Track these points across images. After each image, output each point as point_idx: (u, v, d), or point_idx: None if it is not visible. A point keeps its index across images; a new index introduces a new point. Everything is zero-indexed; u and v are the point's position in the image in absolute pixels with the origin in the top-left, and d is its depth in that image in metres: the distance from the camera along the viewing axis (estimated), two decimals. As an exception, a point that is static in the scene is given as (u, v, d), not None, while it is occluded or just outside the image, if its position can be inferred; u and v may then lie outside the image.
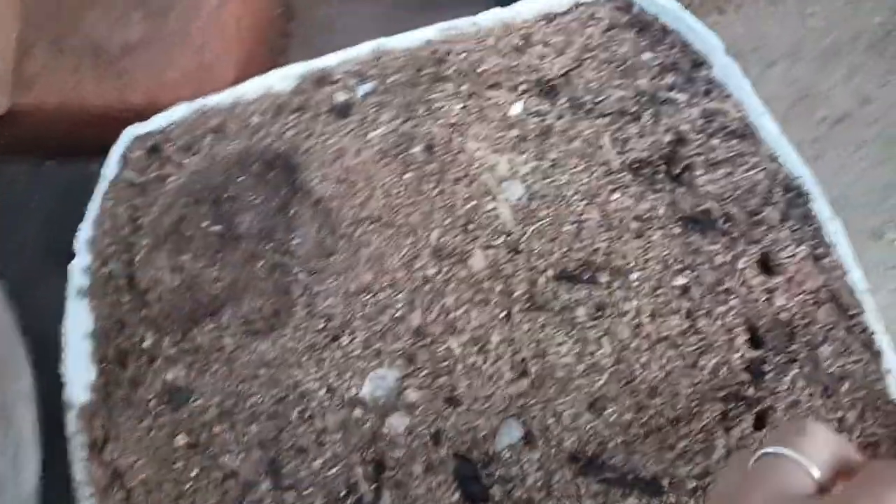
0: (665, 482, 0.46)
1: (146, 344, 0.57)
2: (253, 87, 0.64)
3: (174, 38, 0.61)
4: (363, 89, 0.64)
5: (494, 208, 0.58)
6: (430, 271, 0.56)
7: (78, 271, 0.60)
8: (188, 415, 0.55)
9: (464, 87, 0.62)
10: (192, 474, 0.54)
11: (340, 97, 0.63)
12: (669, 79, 0.59)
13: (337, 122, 0.62)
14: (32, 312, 0.63)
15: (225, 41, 0.64)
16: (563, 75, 0.62)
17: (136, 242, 0.61)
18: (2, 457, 0.47)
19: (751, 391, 0.48)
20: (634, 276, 0.53)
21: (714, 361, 0.49)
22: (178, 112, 0.64)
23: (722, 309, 0.50)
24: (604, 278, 0.53)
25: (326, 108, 0.63)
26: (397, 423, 0.53)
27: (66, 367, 0.54)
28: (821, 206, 0.53)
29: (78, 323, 0.56)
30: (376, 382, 0.54)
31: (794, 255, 0.51)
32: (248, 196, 0.62)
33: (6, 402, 0.50)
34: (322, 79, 0.65)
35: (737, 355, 0.49)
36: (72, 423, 0.53)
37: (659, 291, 0.52)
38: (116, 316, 0.58)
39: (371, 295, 0.56)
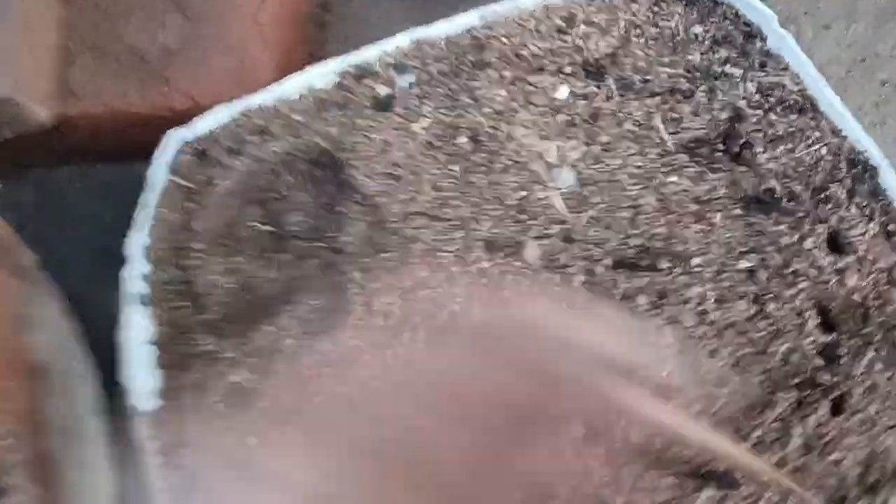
0: (739, 474, 0.46)
1: (208, 348, 0.58)
2: (293, 85, 0.63)
3: (213, 40, 0.61)
4: (404, 81, 0.63)
5: (546, 197, 0.57)
6: (484, 263, 0.56)
7: (134, 278, 0.61)
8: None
9: (507, 73, 0.61)
10: (261, 476, 0.55)
11: (382, 90, 0.63)
12: (722, 53, 0.58)
13: (380, 115, 0.62)
14: (88, 321, 0.65)
15: (263, 40, 0.63)
16: (609, 55, 0.60)
17: (190, 247, 0.61)
18: (78, 472, 0.49)
19: (826, 377, 0.47)
20: (696, 260, 0.52)
21: (785, 347, 0.48)
22: (221, 114, 0.64)
23: (791, 292, 0.49)
24: (664, 264, 0.52)
25: (369, 102, 0.63)
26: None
27: (128, 374, 0.55)
28: (890, 179, 0.51)
29: (138, 330, 0.57)
30: (437, 379, 0.54)
31: (864, 233, 0.50)
32: (297, 195, 0.62)
33: (76, 415, 0.51)
34: (362, 73, 0.64)
35: (809, 340, 0.48)
36: (141, 429, 0.54)
37: (723, 276, 0.51)
38: (176, 321, 0.59)
39: (428, 290, 0.56)
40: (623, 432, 0.49)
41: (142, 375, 0.57)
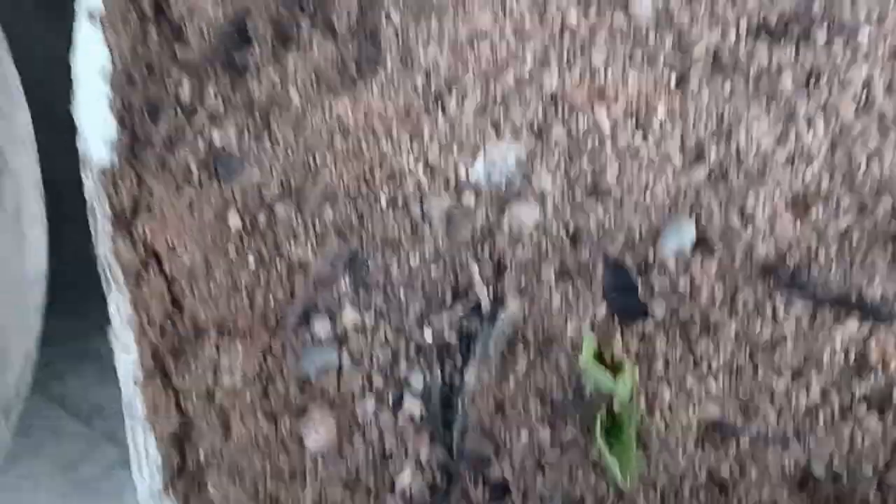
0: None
1: (183, 94, 0.43)
2: None
3: None
4: None
5: (666, -66, 0.42)
6: (572, 17, 0.42)
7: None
8: (241, 189, 0.43)
9: None
10: (249, 264, 0.42)
11: None
12: None
13: None
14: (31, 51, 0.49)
15: None
16: None
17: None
18: (1, 212, 0.36)
19: None
20: (865, 32, 0.39)
21: None
22: None
23: None
24: (820, 35, 0.39)
25: None
26: (523, 215, 0.41)
27: (79, 113, 0.41)
28: None
29: (91, 57, 0.42)
30: (494, 162, 0.42)
31: None
32: None
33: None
34: None
35: None
36: (91, 186, 0.41)
37: (901, 56, 0.39)
38: (141, 54, 0.44)
39: (489, 44, 0.42)
40: (745, 246, 0.38)
41: (94, 117, 0.43)
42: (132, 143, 0.42)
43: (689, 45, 0.41)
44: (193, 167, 0.43)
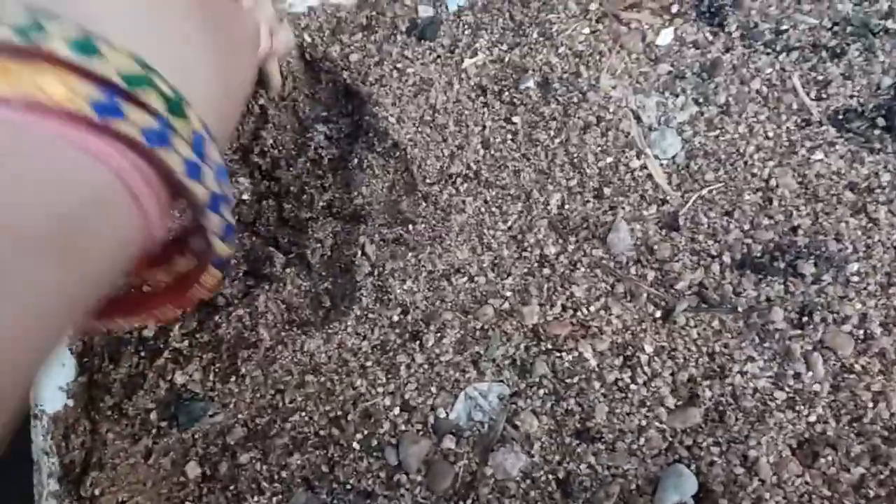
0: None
1: (147, 332, 0.43)
2: (304, -4, 0.50)
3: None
4: (455, 4, 0.50)
5: (641, 167, 0.44)
6: (551, 249, 0.43)
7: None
8: (203, 435, 0.41)
9: (593, 6, 0.49)
10: (207, 522, 0.39)
11: (424, 12, 0.50)
12: (883, 4, 0.46)
13: (419, 45, 0.49)
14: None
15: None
16: (730, -5, 0.48)
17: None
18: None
19: None
20: (854, 267, 0.39)
21: None
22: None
23: None
24: (808, 269, 0.39)
25: (405, 27, 0.49)
26: (507, 462, 0.39)
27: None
28: None
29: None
30: (475, 402, 0.40)
31: None
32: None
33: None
34: (399, -11, 0.51)
35: None
36: (39, 438, 0.39)
37: (893, 291, 0.39)
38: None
39: (467, 278, 0.42)
40: (752, 499, 0.36)
41: (50, 364, 0.41)
42: (89, 388, 0.41)
43: (673, 280, 0.40)
44: (152, 413, 0.41)
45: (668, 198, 0.43)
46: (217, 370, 0.42)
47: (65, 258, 0.18)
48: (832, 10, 0.46)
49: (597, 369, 0.40)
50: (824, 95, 0.44)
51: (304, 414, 0.41)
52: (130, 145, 0.19)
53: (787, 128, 0.43)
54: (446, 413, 0.40)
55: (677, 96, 0.45)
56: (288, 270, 0.44)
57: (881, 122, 0.43)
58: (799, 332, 0.38)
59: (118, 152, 0.19)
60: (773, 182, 0.42)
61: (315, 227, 0.45)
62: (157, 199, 0.21)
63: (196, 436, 0.41)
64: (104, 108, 0.19)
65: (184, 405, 0.41)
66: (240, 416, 0.41)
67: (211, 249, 0.24)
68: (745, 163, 0.43)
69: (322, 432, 0.40)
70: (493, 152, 0.46)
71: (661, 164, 0.44)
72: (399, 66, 0.48)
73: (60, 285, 0.18)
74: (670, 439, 0.38)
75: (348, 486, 0.39)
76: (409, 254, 0.43)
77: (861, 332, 0.38)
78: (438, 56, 0.48)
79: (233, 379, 0.41)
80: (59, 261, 0.18)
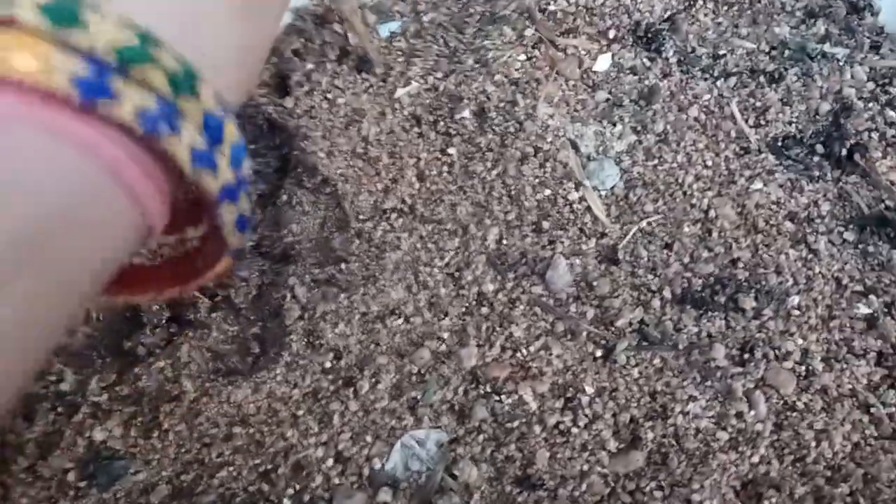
0: None
1: (64, 386, 0.41)
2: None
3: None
4: (387, 30, 0.49)
5: (580, 199, 0.43)
6: (489, 287, 0.42)
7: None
8: (126, 494, 0.39)
9: (528, 32, 0.48)
10: (128, 591, 0.38)
11: (353, 40, 0.49)
12: (820, 27, 0.46)
13: (350, 74, 0.48)
14: None
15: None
16: (667, 20, 0.48)
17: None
18: None
19: None
20: (795, 300, 0.39)
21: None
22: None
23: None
24: (749, 303, 0.39)
25: (335, 55, 0.48)
26: (445, 514, 0.38)
27: (-63, 421, 0.38)
28: None
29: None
30: (412, 450, 0.39)
31: None
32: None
33: None
34: (328, 15, 0.50)
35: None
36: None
37: (833, 324, 0.39)
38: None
39: (402, 320, 0.42)
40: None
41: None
42: (1, 450, 0.39)
43: (613, 317, 0.40)
44: (70, 474, 0.39)
45: (607, 231, 0.42)
46: (139, 425, 0.40)
47: (39, 267, 0.16)
48: (770, 34, 0.46)
49: (537, 412, 0.39)
50: (763, 122, 0.44)
51: (232, 469, 0.39)
52: (126, 132, 0.17)
53: (726, 156, 0.43)
54: (382, 464, 0.39)
55: (615, 125, 0.45)
56: (213, 315, 0.42)
57: (820, 148, 0.43)
58: (740, 369, 0.38)
59: (110, 140, 0.17)
60: (712, 213, 0.42)
61: (241, 266, 0.43)
62: (160, 193, 0.18)
63: (118, 495, 0.39)
64: (90, 86, 0.16)
65: (104, 463, 0.39)
66: (164, 472, 0.39)
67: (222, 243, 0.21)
68: (684, 193, 0.43)
69: (251, 488, 0.39)
70: (428, 185, 0.45)
71: (600, 196, 0.43)
72: (329, 96, 0.47)
73: (37, 296, 0.16)
74: (612, 484, 0.37)
75: (280, 546, 0.38)
76: (342, 295, 0.42)
77: (803, 368, 0.38)
78: (370, 85, 0.47)
79: (155, 434, 0.40)
80: (33, 272, 0.15)
